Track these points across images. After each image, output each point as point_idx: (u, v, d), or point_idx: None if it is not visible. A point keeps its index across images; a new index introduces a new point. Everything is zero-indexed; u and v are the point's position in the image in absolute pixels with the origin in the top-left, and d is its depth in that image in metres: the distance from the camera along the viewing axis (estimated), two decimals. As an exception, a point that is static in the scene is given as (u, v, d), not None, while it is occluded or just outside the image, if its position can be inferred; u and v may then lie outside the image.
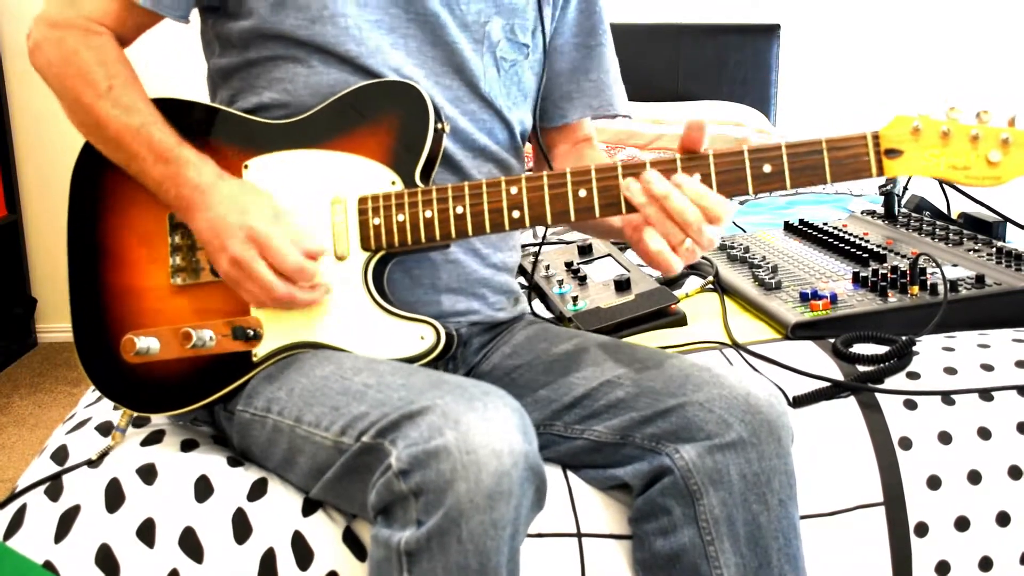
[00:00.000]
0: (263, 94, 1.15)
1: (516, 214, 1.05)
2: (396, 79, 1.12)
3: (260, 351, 1.10)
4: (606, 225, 1.18)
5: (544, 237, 1.38)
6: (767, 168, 0.99)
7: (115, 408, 1.20)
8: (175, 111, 1.11)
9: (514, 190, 1.05)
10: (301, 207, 1.09)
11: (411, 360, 1.06)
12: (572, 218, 1.04)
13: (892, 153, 0.97)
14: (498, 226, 1.06)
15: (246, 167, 1.11)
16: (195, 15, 1.20)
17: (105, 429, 1.17)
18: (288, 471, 1.06)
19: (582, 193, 1.03)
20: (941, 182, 1.73)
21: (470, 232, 1.06)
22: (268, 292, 1.03)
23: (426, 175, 1.10)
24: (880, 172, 0.97)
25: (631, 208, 1.01)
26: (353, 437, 0.94)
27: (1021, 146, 0.92)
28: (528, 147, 1.34)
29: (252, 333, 1.09)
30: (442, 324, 1.07)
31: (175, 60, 2.29)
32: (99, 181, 1.17)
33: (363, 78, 1.12)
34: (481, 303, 1.23)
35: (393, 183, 1.08)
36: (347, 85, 1.12)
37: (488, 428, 0.87)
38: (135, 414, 1.15)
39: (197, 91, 1.22)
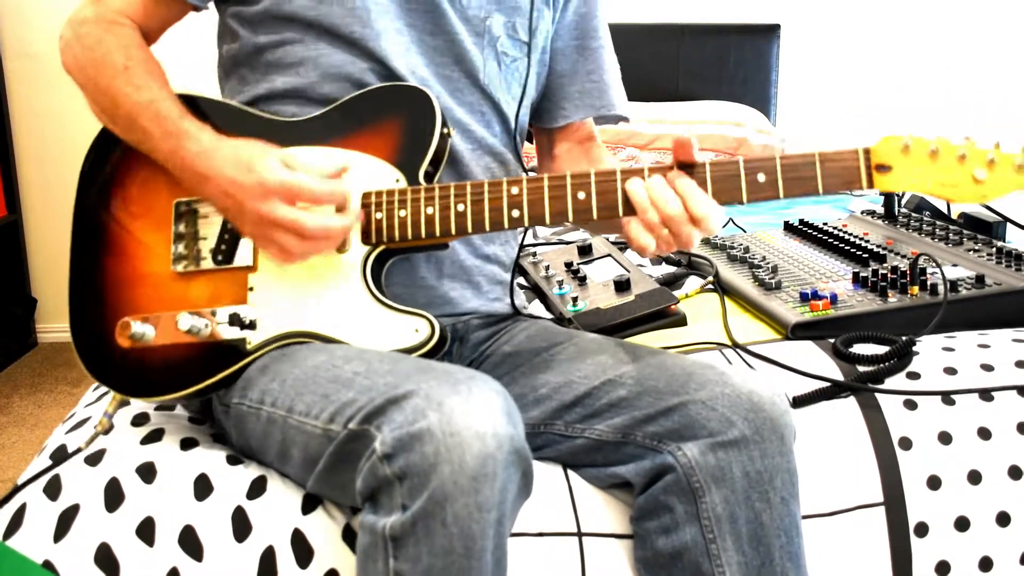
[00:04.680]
0: (275, 80, 1.16)
1: (515, 213, 1.06)
2: (408, 84, 1.14)
3: (254, 339, 1.10)
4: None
5: (531, 236, 1.39)
6: (761, 177, 1.02)
7: (104, 393, 1.20)
8: (186, 107, 1.12)
9: (515, 190, 1.06)
10: None
11: (405, 352, 1.06)
12: (570, 219, 1.05)
13: (882, 168, 1.00)
14: (497, 224, 1.07)
15: None
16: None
17: (105, 429, 1.16)
18: (284, 464, 1.06)
19: (581, 196, 1.04)
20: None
21: (470, 230, 1.07)
22: (300, 230, 1.01)
23: (429, 177, 1.11)
24: (871, 185, 1.01)
25: (628, 211, 1.03)
26: (341, 424, 0.94)
27: (1006, 166, 0.97)
28: (530, 146, 1.35)
29: (247, 322, 1.10)
30: (438, 320, 1.07)
31: (188, 56, 2.31)
32: (111, 165, 1.18)
33: (368, 62, 1.14)
34: (475, 291, 1.23)
35: (397, 180, 1.10)
36: (353, 67, 1.14)
37: (472, 410, 0.87)
38: (124, 399, 1.15)
39: (208, 86, 1.23)
